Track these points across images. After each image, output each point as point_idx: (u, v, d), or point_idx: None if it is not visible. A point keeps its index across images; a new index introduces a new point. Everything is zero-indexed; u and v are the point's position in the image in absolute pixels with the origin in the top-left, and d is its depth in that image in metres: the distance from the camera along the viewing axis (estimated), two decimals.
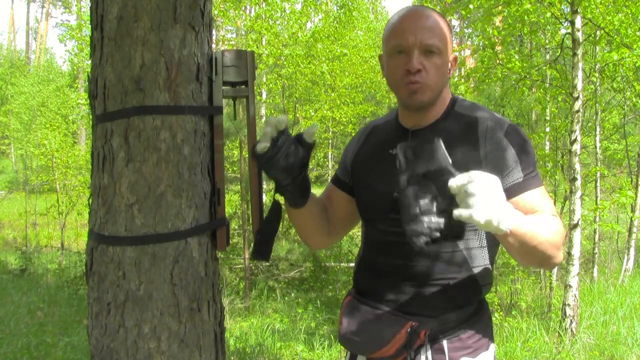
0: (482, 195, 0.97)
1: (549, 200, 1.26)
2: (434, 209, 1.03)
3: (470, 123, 1.28)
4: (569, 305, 4.72)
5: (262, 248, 1.33)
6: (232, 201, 8.56)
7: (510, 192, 1.21)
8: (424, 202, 1.04)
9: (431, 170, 1.05)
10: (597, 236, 8.09)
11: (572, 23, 4.84)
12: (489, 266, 1.30)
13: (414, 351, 1.24)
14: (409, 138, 1.32)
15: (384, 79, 1.34)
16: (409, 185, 1.07)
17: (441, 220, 1.02)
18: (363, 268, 1.38)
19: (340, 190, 1.46)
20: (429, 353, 1.24)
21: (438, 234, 1.02)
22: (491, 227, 1.00)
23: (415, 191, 1.06)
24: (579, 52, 4.79)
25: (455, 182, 0.98)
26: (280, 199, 1.32)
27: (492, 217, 0.98)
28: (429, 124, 1.31)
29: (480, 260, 1.28)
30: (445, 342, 1.25)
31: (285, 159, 1.18)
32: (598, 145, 8.49)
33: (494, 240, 1.29)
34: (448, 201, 1.02)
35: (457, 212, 0.98)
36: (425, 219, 1.02)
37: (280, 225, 9.95)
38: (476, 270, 1.27)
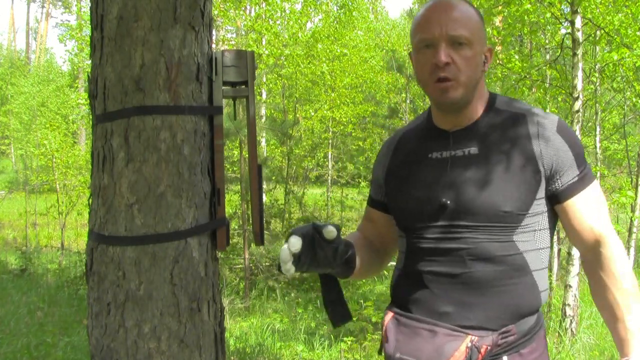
0: None
1: (602, 204, 1.22)
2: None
3: (517, 119, 1.21)
4: (569, 305, 4.72)
5: (341, 312, 1.30)
6: (232, 201, 8.56)
7: (568, 191, 1.18)
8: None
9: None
10: None
11: (572, 23, 4.84)
12: (546, 269, 1.24)
13: None
14: (450, 141, 1.24)
15: (415, 76, 1.26)
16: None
17: None
18: (407, 281, 1.27)
19: (378, 211, 1.39)
20: None
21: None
22: None
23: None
24: (579, 52, 4.79)
25: None
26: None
27: None
28: (470, 123, 1.23)
29: (538, 263, 1.20)
30: (505, 358, 1.16)
31: (315, 259, 1.17)
32: (598, 145, 8.49)
33: (551, 242, 1.25)
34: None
35: None
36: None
37: (280, 225, 9.90)
38: (535, 275, 1.19)
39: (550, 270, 7.39)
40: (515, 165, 1.16)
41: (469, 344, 1.12)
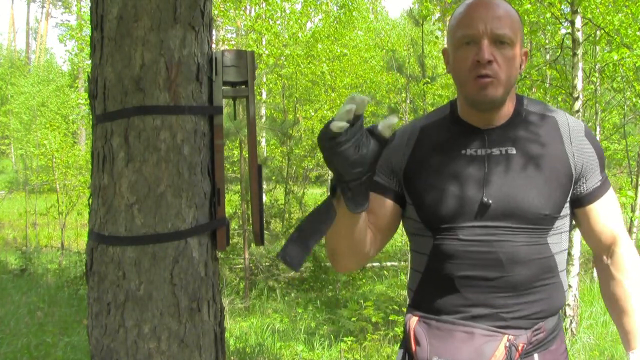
0: None
1: (618, 207, 1.26)
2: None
3: (548, 120, 1.22)
4: (569, 305, 4.72)
5: (297, 250, 1.05)
6: (232, 201, 8.56)
7: (592, 196, 1.21)
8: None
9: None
10: None
11: (572, 23, 4.84)
12: (565, 270, 1.27)
13: None
14: (485, 139, 1.20)
15: (451, 73, 1.22)
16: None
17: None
18: (432, 285, 1.23)
19: (384, 197, 1.26)
20: None
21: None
22: None
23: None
24: (579, 52, 4.79)
25: None
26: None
27: None
28: (505, 122, 1.22)
29: (563, 263, 1.24)
30: (536, 356, 1.18)
31: (357, 148, 0.98)
32: None
33: (568, 242, 1.29)
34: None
35: None
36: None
37: (280, 225, 9.91)
38: (562, 275, 1.23)
39: None
40: (551, 168, 1.17)
41: (507, 343, 1.13)
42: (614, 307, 1.22)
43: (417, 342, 1.19)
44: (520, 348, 1.13)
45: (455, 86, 1.23)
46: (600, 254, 1.26)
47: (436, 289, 1.22)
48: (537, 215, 1.15)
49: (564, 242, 1.23)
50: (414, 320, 1.22)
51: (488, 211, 1.15)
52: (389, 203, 1.26)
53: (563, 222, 1.21)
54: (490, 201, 1.15)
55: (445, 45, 1.25)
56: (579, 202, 1.22)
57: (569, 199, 1.20)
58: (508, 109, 1.22)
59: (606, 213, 1.22)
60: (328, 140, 0.97)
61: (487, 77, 1.13)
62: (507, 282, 1.15)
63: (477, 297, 1.17)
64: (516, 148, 1.18)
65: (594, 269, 8.08)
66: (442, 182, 1.20)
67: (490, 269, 1.16)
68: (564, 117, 1.23)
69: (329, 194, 1.11)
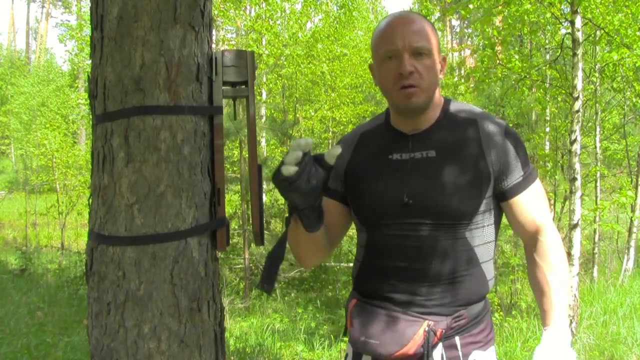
0: None
1: (544, 199, 1.35)
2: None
3: (469, 124, 1.32)
4: (568, 305, 4.71)
5: (270, 276, 1.27)
6: (232, 201, 8.56)
7: (514, 190, 1.30)
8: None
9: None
10: (597, 236, 8.09)
11: (572, 23, 4.84)
12: (492, 260, 1.36)
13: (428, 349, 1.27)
14: (409, 144, 1.33)
15: (378, 85, 1.35)
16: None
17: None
18: (368, 273, 1.37)
19: (333, 199, 1.42)
20: (442, 350, 1.27)
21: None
22: None
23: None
24: (579, 52, 4.79)
25: None
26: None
27: None
28: (428, 126, 1.34)
29: (487, 255, 1.33)
30: (457, 338, 1.29)
31: (308, 182, 1.18)
32: (598, 145, 8.49)
33: (496, 235, 1.37)
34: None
35: None
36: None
37: (280, 225, 9.91)
38: (484, 266, 1.32)
39: None
40: (468, 168, 1.28)
41: (426, 328, 1.25)
42: (536, 290, 1.33)
43: (352, 323, 1.34)
44: (438, 333, 1.25)
45: (384, 96, 1.36)
46: (527, 243, 1.36)
47: (370, 276, 1.36)
48: (454, 212, 1.26)
49: (488, 235, 1.32)
50: (352, 304, 1.37)
51: (410, 210, 1.28)
52: (337, 204, 1.42)
53: (484, 217, 1.30)
54: (411, 201, 1.28)
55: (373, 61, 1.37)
56: (503, 196, 1.31)
57: (491, 194, 1.30)
58: (433, 113, 1.34)
59: (529, 205, 1.31)
60: (281, 182, 1.17)
61: (411, 87, 1.25)
62: (429, 273, 1.28)
63: (402, 286, 1.29)
64: (436, 151, 1.30)
65: (594, 268, 8.06)
66: (372, 184, 1.35)
67: (413, 260, 1.28)
68: (485, 119, 1.33)
69: (285, 221, 1.31)
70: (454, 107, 1.37)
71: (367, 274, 1.37)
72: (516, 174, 1.29)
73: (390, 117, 1.40)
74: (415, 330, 1.25)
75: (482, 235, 1.31)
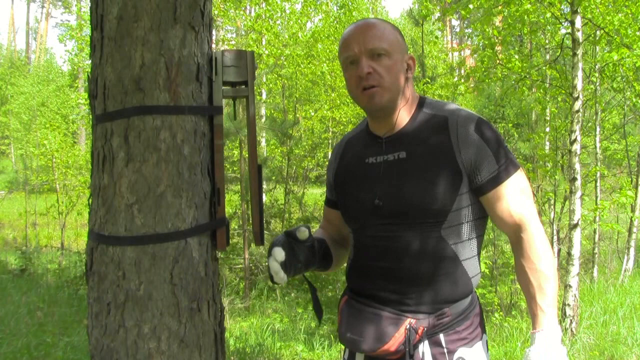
0: None
1: (526, 192, 1.31)
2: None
3: (439, 122, 1.33)
4: (569, 305, 4.72)
5: (319, 312, 1.45)
6: (232, 201, 8.55)
7: (489, 185, 1.28)
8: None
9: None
10: (597, 236, 8.09)
11: (572, 23, 4.84)
12: (477, 256, 1.36)
13: (413, 346, 1.28)
14: (383, 146, 1.36)
15: (348, 91, 1.39)
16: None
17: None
18: (356, 272, 1.42)
19: (334, 209, 1.52)
20: (427, 347, 1.29)
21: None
22: None
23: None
24: (579, 52, 4.79)
25: None
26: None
27: None
28: (400, 128, 1.35)
29: (468, 252, 1.33)
30: (442, 336, 1.30)
31: (299, 264, 1.32)
32: (598, 145, 8.49)
33: (481, 230, 1.36)
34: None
35: None
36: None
37: (280, 225, 9.88)
38: (465, 263, 1.32)
39: None
40: (437, 167, 1.28)
41: (407, 326, 1.28)
42: (523, 291, 1.32)
43: (340, 320, 1.39)
44: (420, 331, 1.28)
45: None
46: (510, 240, 1.35)
47: (357, 275, 1.41)
48: (425, 212, 1.27)
49: (468, 232, 1.32)
50: (343, 301, 1.43)
51: (380, 211, 1.32)
52: (337, 213, 1.50)
53: (462, 214, 1.30)
54: (381, 202, 1.32)
55: None
56: (479, 191, 1.30)
57: (466, 191, 1.29)
58: (405, 114, 1.35)
59: (507, 198, 1.29)
60: (283, 279, 1.29)
61: (372, 87, 1.29)
62: (406, 272, 1.30)
63: (384, 284, 1.33)
64: (406, 152, 1.32)
65: (594, 268, 8.04)
66: (351, 189, 1.41)
67: (392, 260, 1.31)
68: (455, 114, 1.32)
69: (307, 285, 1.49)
70: (427, 105, 1.37)
71: (354, 273, 1.42)
72: (490, 168, 1.28)
73: (368, 123, 1.44)
74: (396, 328, 1.28)
75: (461, 233, 1.31)
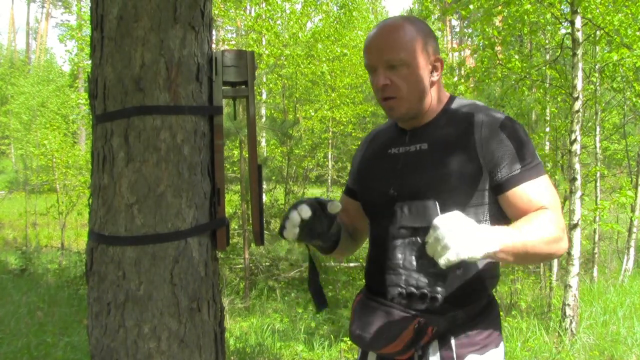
0: (450, 237, 1.01)
1: (550, 192, 1.24)
2: (415, 266, 1.08)
3: (465, 117, 1.30)
4: (568, 305, 4.72)
5: (320, 298, 1.39)
6: (232, 201, 8.55)
7: (509, 183, 1.23)
8: (408, 257, 1.09)
9: (422, 226, 1.09)
10: (597, 236, 8.09)
11: (572, 23, 4.84)
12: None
13: (422, 348, 1.26)
14: (406, 138, 1.36)
15: None
16: (399, 237, 1.11)
17: (423, 279, 1.07)
18: (371, 266, 1.39)
19: (353, 199, 1.50)
20: (437, 350, 1.26)
21: (413, 289, 1.07)
22: (476, 257, 1.03)
23: (403, 244, 1.10)
24: (579, 52, 4.79)
25: (427, 238, 1.05)
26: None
27: (470, 250, 1.01)
28: (427, 122, 1.35)
29: None
30: (452, 339, 1.26)
31: (312, 232, 1.26)
32: (598, 145, 8.49)
33: None
34: (432, 262, 1.06)
35: (440, 262, 1.02)
36: (404, 272, 1.08)
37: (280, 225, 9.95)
38: (481, 266, 1.28)
39: (550, 270, 7.39)
40: (457, 160, 1.25)
41: (416, 325, 1.23)
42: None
43: (353, 317, 1.37)
44: (429, 331, 1.24)
45: None
46: None
47: (373, 272, 1.38)
48: (440, 204, 1.18)
49: None
50: (357, 299, 1.40)
51: (395, 202, 1.23)
52: (356, 203, 1.48)
53: (477, 211, 1.25)
54: (396, 193, 1.29)
55: None
56: (498, 189, 1.25)
57: (485, 188, 1.25)
58: (431, 112, 1.34)
59: (529, 200, 1.22)
60: (294, 234, 1.25)
61: (390, 99, 1.28)
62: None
63: (397, 281, 1.23)
64: (428, 144, 1.30)
65: (594, 268, 8.04)
66: (370, 179, 1.41)
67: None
68: (482, 112, 1.29)
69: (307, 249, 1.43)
70: (456, 103, 1.36)
71: (371, 269, 1.40)
72: (512, 167, 1.23)
73: None
74: (405, 327, 1.24)
75: None
